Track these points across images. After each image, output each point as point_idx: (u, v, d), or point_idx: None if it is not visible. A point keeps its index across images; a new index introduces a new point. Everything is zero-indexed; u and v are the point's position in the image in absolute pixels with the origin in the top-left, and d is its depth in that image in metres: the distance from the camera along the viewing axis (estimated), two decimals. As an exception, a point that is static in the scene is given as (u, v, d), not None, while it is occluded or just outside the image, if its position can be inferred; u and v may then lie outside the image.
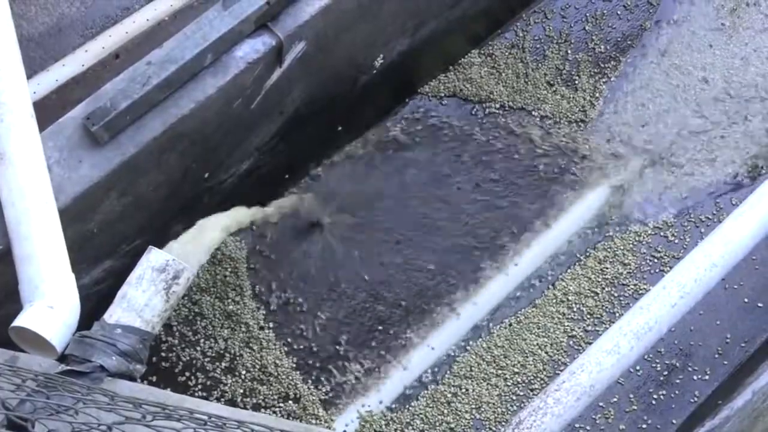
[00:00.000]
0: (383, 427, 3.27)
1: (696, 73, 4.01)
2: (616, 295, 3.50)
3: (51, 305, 2.33)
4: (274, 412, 3.27)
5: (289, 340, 3.41)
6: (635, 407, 3.27)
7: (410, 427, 3.27)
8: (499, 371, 3.36)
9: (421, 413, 3.29)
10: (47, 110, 3.09)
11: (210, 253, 3.03)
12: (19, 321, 2.30)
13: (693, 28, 4.12)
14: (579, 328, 3.43)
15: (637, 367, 3.31)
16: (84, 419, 1.75)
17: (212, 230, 3.00)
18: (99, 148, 2.79)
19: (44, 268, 2.37)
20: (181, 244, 2.82)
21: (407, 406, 3.32)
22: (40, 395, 1.87)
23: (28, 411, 1.86)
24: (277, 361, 3.35)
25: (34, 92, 3.20)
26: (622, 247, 3.60)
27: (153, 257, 2.49)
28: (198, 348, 3.36)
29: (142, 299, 2.41)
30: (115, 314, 2.39)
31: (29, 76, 3.10)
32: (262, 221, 3.49)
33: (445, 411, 3.29)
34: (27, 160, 2.53)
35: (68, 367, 2.24)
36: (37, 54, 3.45)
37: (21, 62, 2.72)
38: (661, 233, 3.64)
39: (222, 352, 3.35)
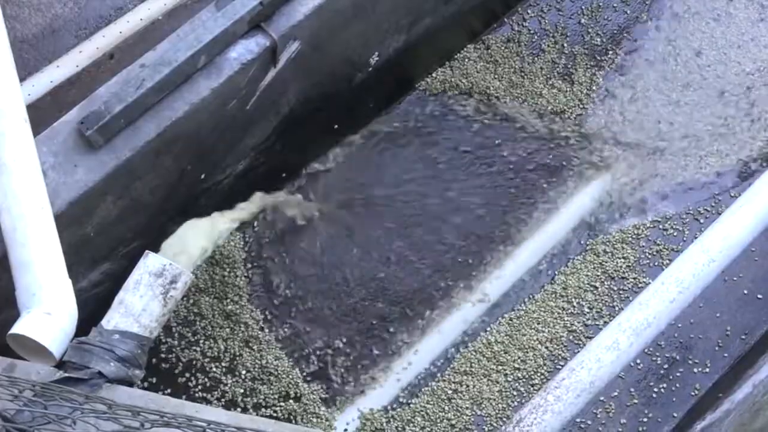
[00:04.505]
0: (384, 424, 3.27)
1: (693, 64, 3.99)
2: (615, 288, 3.49)
3: (48, 312, 2.32)
4: (275, 412, 3.27)
5: (289, 338, 3.41)
6: (636, 401, 3.27)
7: (411, 425, 3.27)
8: (500, 367, 3.36)
9: (421, 410, 3.29)
10: (42, 112, 3.08)
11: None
12: (17, 328, 2.29)
13: (689, 17, 4.11)
14: (579, 322, 3.42)
15: (638, 361, 3.30)
16: (82, 428, 1.75)
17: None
18: (94, 152, 2.79)
19: (41, 274, 2.36)
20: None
21: (408, 403, 3.32)
22: (37, 405, 1.87)
23: (27, 420, 1.86)
24: (278, 361, 3.35)
25: (29, 94, 3.19)
26: (620, 241, 3.59)
27: (150, 262, 2.48)
28: (197, 348, 3.36)
29: (140, 304, 2.40)
30: (113, 320, 2.38)
31: (23, 78, 3.10)
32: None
33: (446, 408, 3.29)
34: (21, 166, 2.51)
35: (66, 374, 2.24)
36: (30, 56, 3.44)
37: (14, 65, 2.70)
38: (660, 226, 3.63)
39: (222, 352, 3.35)
